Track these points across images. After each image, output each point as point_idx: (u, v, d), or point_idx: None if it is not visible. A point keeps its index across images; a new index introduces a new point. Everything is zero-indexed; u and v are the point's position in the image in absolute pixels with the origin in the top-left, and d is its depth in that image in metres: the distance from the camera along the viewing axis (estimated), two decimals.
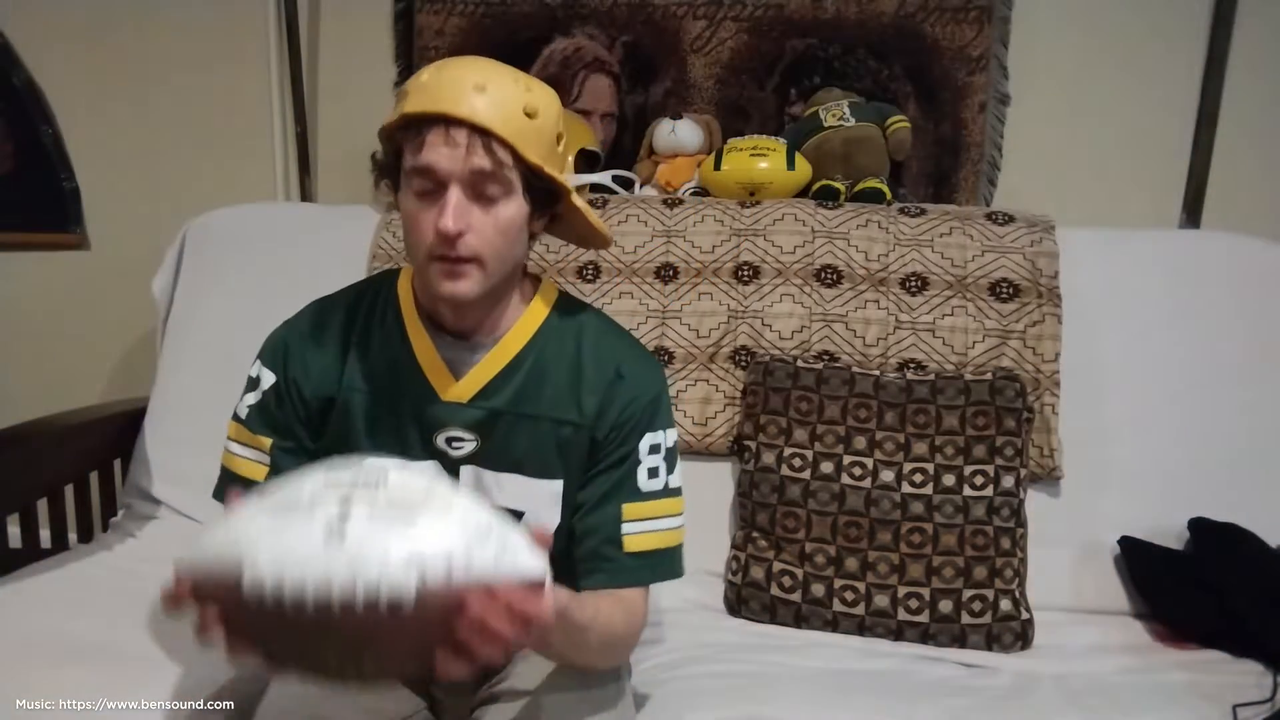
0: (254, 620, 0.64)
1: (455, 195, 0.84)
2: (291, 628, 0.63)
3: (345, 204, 1.76)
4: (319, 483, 0.67)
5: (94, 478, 1.57)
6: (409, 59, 1.87)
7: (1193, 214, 1.70)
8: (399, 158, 0.88)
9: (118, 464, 1.61)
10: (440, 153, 0.83)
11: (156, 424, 1.59)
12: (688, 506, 1.42)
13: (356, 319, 0.99)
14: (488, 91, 0.84)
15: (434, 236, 0.85)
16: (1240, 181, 1.70)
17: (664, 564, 0.97)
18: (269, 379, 0.98)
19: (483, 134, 0.83)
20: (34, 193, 1.98)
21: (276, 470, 0.96)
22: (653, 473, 0.96)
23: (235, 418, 1.00)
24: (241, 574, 0.63)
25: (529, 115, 0.86)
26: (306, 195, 1.95)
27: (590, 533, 0.95)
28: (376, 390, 0.96)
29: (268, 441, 0.97)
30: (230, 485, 0.97)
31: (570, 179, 0.92)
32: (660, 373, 1.01)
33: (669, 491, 0.97)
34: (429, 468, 0.95)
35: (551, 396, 0.96)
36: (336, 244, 1.63)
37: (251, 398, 0.99)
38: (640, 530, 0.95)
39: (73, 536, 1.52)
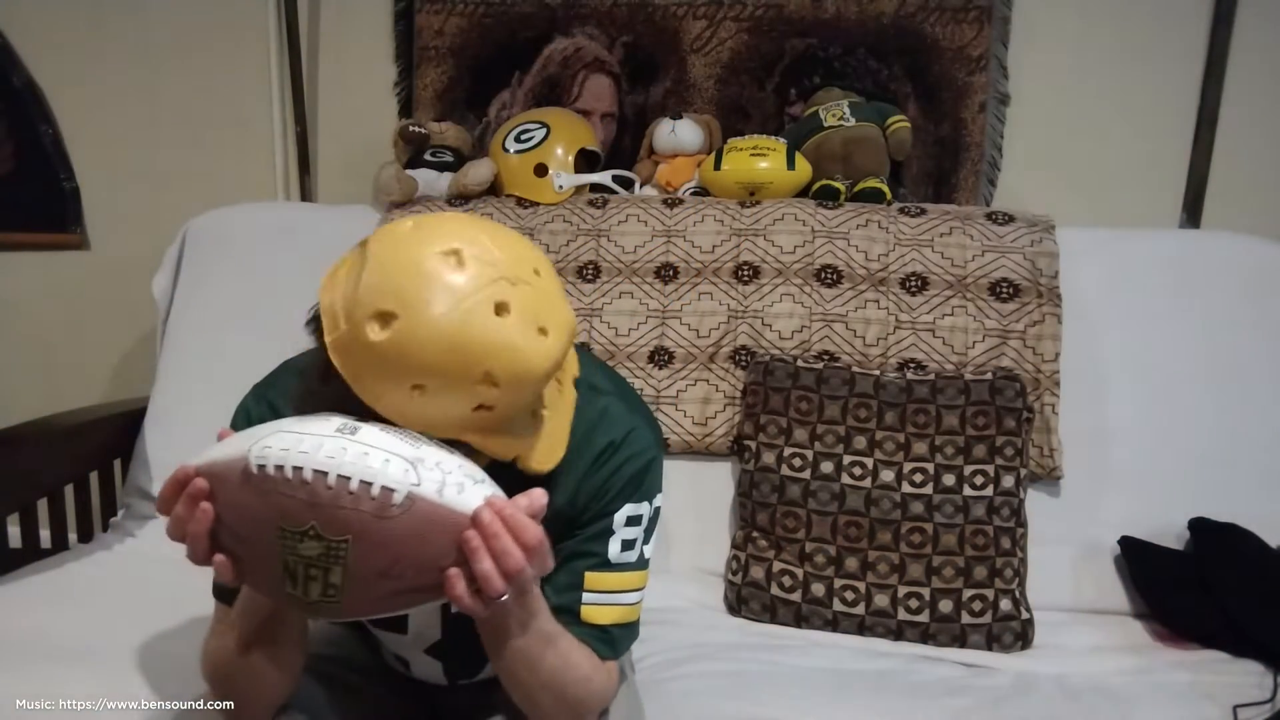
0: (243, 499, 0.67)
1: None
2: (278, 509, 0.66)
3: (345, 204, 1.76)
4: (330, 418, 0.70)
5: (94, 478, 1.57)
6: (409, 59, 1.87)
7: (1193, 214, 1.70)
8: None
9: (118, 464, 1.61)
10: None
11: (156, 424, 1.59)
12: (688, 507, 1.44)
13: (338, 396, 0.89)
14: (426, 394, 0.68)
15: None
16: (1240, 181, 1.70)
17: (617, 641, 0.88)
18: None
19: None
20: (34, 193, 1.98)
21: None
22: (627, 545, 0.88)
23: None
24: (249, 453, 0.67)
25: (484, 405, 0.70)
26: (306, 195, 1.95)
27: (548, 594, 0.86)
28: None
29: None
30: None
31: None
32: (655, 437, 0.92)
33: (640, 563, 0.90)
34: None
35: (556, 480, 0.86)
36: (336, 244, 1.59)
37: None
38: (600, 602, 0.87)
39: (73, 536, 1.52)
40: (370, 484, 0.65)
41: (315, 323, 0.73)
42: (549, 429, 0.81)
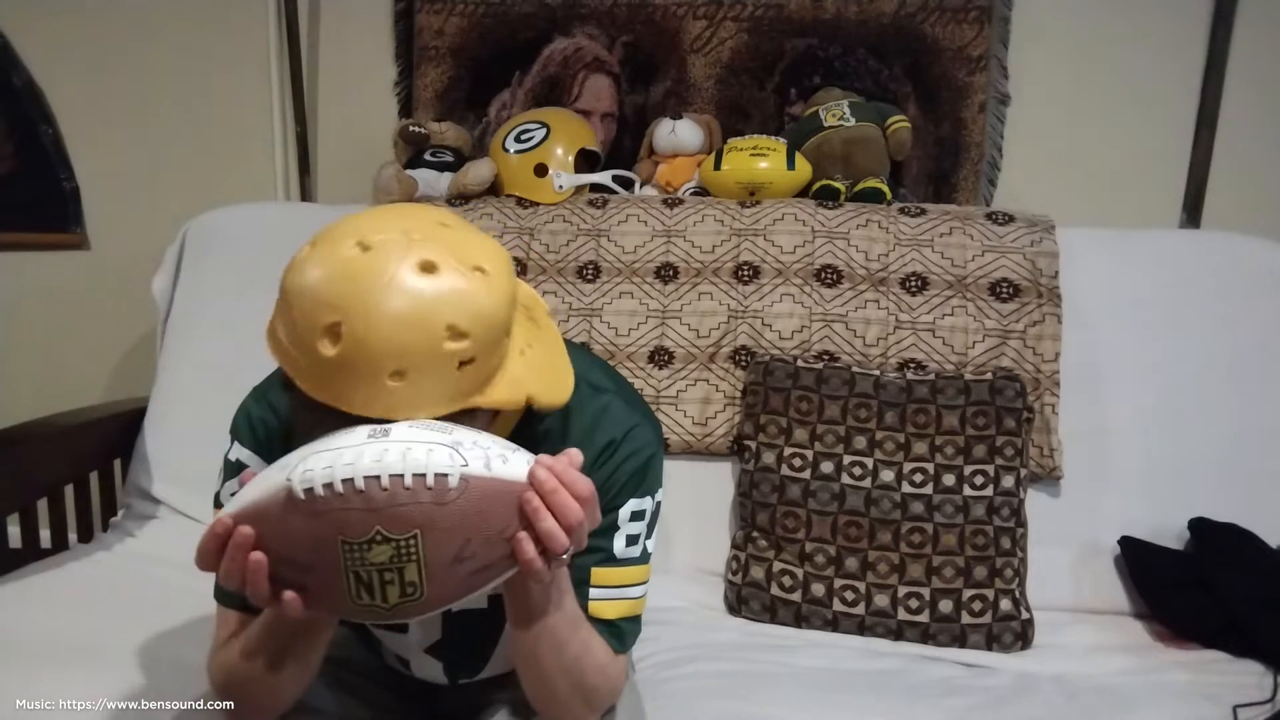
0: (296, 528, 0.66)
1: None
2: (338, 525, 0.65)
3: (345, 204, 1.75)
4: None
5: (94, 478, 1.57)
6: (409, 59, 1.87)
7: (1193, 214, 1.70)
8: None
9: (118, 464, 1.61)
10: None
11: (156, 424, 1.59)
12: (688, 507, 1.44)
13: None
14: (408, 377, 0.67)
15: None
16: (1240, 181, 1.70)
17: (625, 635, 0.89)
18: (255, 464, 0.88)
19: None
20: (34, 193, 1.98)
21: None
22: (631, 540, 0.89)
23: (218, 504, 0.90)
24: (289, 483, 0.66)
25: (464, 361, 0.69)
26: (306, 195, 1.95)
27: None
28: None
29: None
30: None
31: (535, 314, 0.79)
32: (655, 434, 0.92)
33: (644, 557, 0.91)
34: None
35: None
36: None
37: (234, 485, 0.88)
38: (607, 597, 0.88)
39: (73, 536, 1.52)
40: (423, 475, 0.65)
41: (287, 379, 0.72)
42: (547, 363, 0.80)
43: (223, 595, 0.87)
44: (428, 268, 0.67)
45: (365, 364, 0.67)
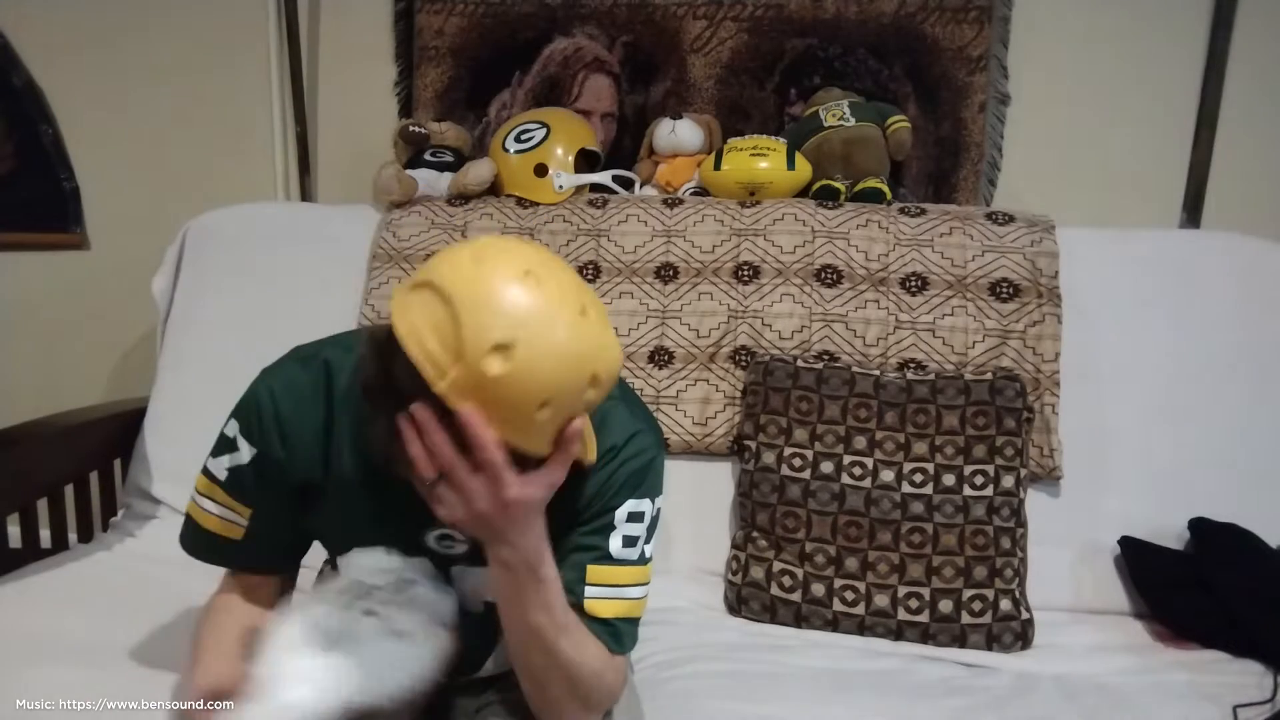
0: None
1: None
2: None
3: (345, 204, 1.76)
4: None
5: (94, 478, 1.57)
6: (409, 59, 1.87)
7: (1193, 214, 1.70)
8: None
9: (118, 464, 1.61)
10: None
11: (156, 424, 1.59)
12: (688, 507, 1.44)
13: (339, 394, 0.89)
14: (549, 409, 0.72)
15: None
16: (1240, 181, 1.70)
17: (624, 635, 0.90)
18: (246, 452, 0.90)
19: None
20: (34, 193, 1.98)
21: (254, 536, 0.92)
22: (629, 541, 0.90)
23: (210, 476, 0.92)
24: None
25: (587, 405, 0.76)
26: (306, 195, 1.95)
27: None
28: (363, 481, 0.88)
29: (248, 511, 0.92)
30: (202, 545, 0.95)
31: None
32: (656, 440, 0.94)
33: (643, 560, 0.91)
34: (418, 564, 0.92)
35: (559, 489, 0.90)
36: (336, 244, 1.63)
37: (227, 461, 0.91)
38: (603, 596, 0.88)
39: (73, 536, 1.52)
40: None
41: (376, 380, 0.76)
42: (590, 424, 0.85)
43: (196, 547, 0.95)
44: (584, 312, 0.72)
45: (524, 389, 0.70)
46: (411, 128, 1.72)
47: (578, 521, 0.89)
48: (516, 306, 0.69)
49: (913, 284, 1.47)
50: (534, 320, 0.69)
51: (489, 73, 1.85)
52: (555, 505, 0.85)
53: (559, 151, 1.61)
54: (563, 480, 0.78)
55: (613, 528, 0.89)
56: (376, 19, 1.88)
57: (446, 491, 0.75)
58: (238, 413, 0.91)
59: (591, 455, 0.85)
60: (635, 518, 0.90)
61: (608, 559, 0.89)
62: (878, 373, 1.41)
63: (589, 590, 0.88)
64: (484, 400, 0.70)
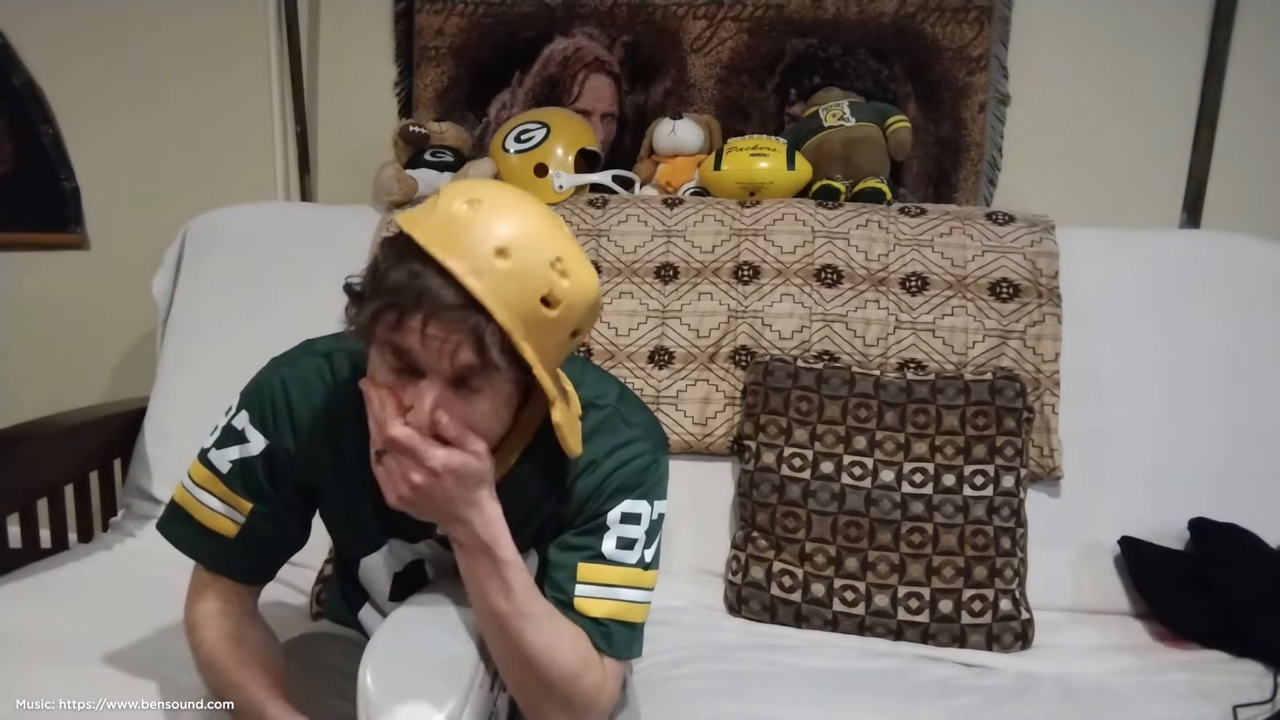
0: None
1: (433, 392, 0.75)
2: None
3: (345, 204, 1.76)
4: None
5: (94, 478, 1.57)
6: (409, 59, 1.87)
7: (1193, 214, 1.70)
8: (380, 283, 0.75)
9: (118, 464, 1.61)
10: (419, 339, 0.73)
11: (156, 424, 1.59)
12: (688, 507, 1.44)
13: (346, 387, 0.89)
14: (511, 257, 0.72)
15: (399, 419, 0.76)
16: (1240, 181, 1.70)
17: (617, 637, 0.88)
18: (258, 443, 0.89)
19: (478, 312, 0.71)
20: (34, 193, 1.98)
21: (252, 532, 0.91)
22: (624, 542, 0.89)
23: (210, 467, 0.91)
24: None
25: (547, 304, 0.74)
26: (306, 195, 1.95)
27: (544, 586, 0.89)
28: (369, 479, 0.84)
29: (248, 505, 0.91)
30: (188, 537, 0.93)
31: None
32: (652, 445, 0.94)
33: (641, 564, 0.90)
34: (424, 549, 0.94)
35: (543, 489, 0.91)
36: (336, 244, 1.63)
37: (234, 452, 0.90)
38: (592, 594, 0.87)
39: (73, 536, 1.52)
40: None
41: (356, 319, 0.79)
42: (571, 417, 0.87)
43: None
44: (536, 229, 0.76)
45: (483, 226, 0.73)
46: (411, 128, 1.72)
47: (570, 525, 0.90)
48: (482, 180, 0.80)
49: (913, 284, 1.47)
50: (495, 189, 0.77)
51: (489, 73, 1.85)
52: (546, 506, 0.87)
53: (559, 151, 1.61)
54: (486, 449, 0.79)
55: (605, 528, 0.89)
56: (376, 19, 1.88)
57: (381, 470, 0.78)
58: (247, 403, 0.91)
59: (577, 448, 0.85)
60: (631, 519, 0.90)
61: (599, 558, 0.89)
62: (878, 373, 1.41)
63: (579, 589, 0.87)
64: (453, 234, 0.73)
